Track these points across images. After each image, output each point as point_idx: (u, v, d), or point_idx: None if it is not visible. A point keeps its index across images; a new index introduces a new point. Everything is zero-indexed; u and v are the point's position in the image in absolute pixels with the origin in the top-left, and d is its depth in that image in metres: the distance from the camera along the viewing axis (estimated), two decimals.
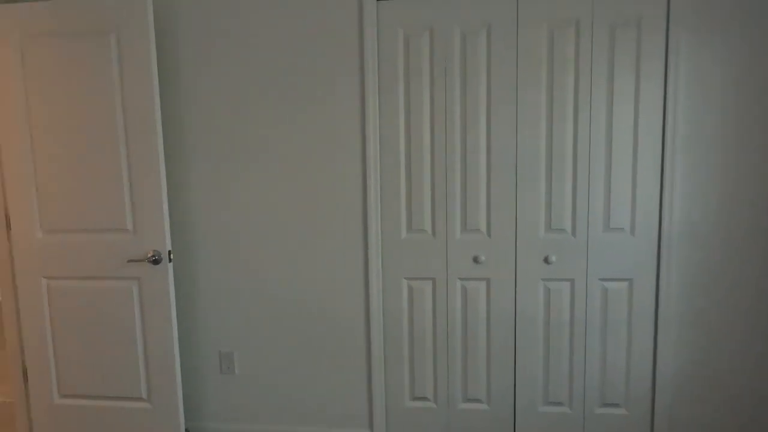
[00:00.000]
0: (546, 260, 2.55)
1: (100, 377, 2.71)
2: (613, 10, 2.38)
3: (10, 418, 3.11)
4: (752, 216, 2.42)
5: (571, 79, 2.44)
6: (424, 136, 2.55)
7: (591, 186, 2.49)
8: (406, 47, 2.51)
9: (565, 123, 2.47)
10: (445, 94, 2.51)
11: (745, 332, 2.49)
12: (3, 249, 2.74)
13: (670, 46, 2.36)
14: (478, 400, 2.69)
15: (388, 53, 2.52)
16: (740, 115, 2.38)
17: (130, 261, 2.58)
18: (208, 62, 2.62)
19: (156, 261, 2.57)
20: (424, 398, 2.72)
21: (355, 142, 2.58)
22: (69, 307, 2.69)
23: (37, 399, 2.79)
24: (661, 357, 2.54)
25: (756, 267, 2.45)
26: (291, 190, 2.65)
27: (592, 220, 2.51)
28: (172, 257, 2.63)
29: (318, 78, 2.56)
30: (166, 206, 2.56)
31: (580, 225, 2.52)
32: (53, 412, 2.78)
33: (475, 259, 2.59)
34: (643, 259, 2.51)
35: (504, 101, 2.48)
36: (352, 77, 2.54)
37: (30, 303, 2.72)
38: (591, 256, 2.53)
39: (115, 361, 2.69)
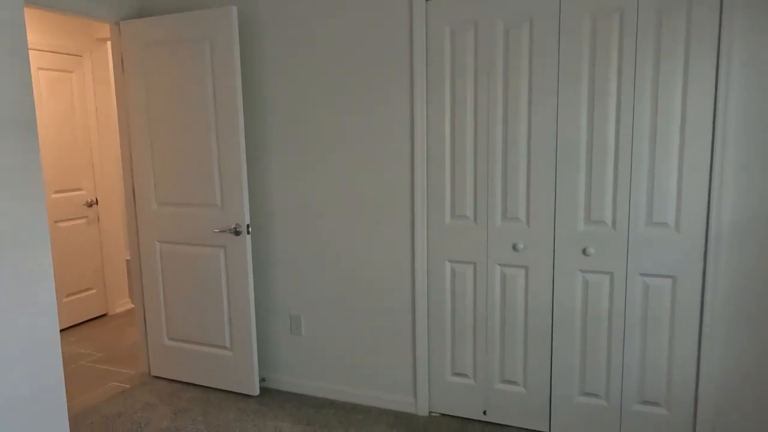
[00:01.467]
0: (584, 252, 2.56)
1: (196, 326, 3.27)
2: None
3: (136, 353, 3.85)
4: None
5: (615, 69, 2.42)
6: (467, 127, 2.69)
7: (633, 178, 2.45)
8: (452, 42, 2.66)
9: (607, 114, 2.45)
10: (488, 86, 2.63)
11: None
12: (131, 218, 3.41)
13: (723, 29, 2.23)
14: (514, 383, 2.79)
15: (436, 48, 2.69)
16: None
17: (217, 231, 3.08)
18: (284, 63, 3.01)
19: (237, 232, 3.04)
20: (464, 375, 2.88)
21: (405, 132, 2.80)
22: (175, 267, 3.28)
23: (152, 340, 3.45)
24: (706, 360, 2.43)
25: None
26: (348, 176, 2.95)
27: (633, 213, 2.47)
28: (250, 230, 3.08)
29: (373, 74, 2.82)
30: (245, 186, 3.01)
31: (621, 218, 2.49)
32: (163, 351, 3.41)
33: (514, 247, 2.68)
34: (688, 257, 2.41)
35: (545, 92, 2.53)
36: (402, 72, 2.76)
37: (149, 262, 3.36)
38: (632, 250, 2.49)
39: (207, 314, 3.23)
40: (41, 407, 2.39)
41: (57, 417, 2.46)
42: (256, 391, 3.17)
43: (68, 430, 2.50)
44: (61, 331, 4.35)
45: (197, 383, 3.34)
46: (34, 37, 4.07)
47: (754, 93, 2.23)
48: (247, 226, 3.04)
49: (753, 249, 2.31)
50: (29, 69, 2.27)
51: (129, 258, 4.92)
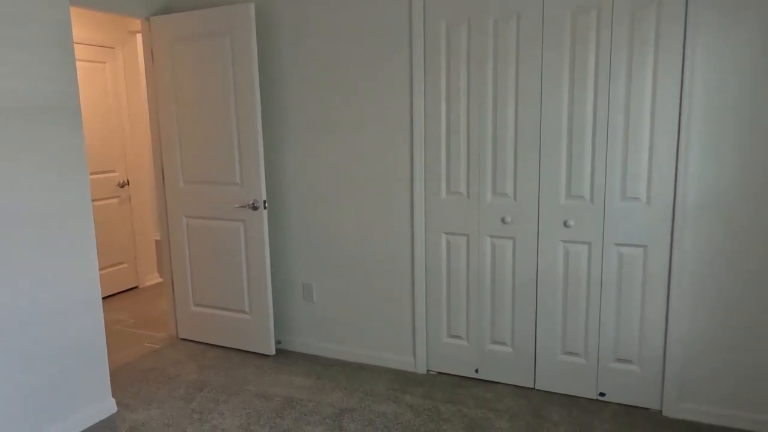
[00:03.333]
0: (565, 224, 2.84)
1: (219, 293, 3.63)
2: None
3: (166, 319, 4.23)
4: None
5: (593, 59, 2.68)
6: (461, 111, 2.98)
7: (609, 158, 2.71)
8: (448, 36, 2.94)
9: (586, 99, 2.71)
10: (480, 75, 2.90)
11: (758, 301, 2.55)
12: (160, 195, 3.77)
13: (689, 23, 2.48)
14: (503, 343, 3.09)
15: (433, 40, 2.97)
16: (757, 91, 2.42)
17: (237, 207, 3.43)
18: (296, 55, 3.32)
19: (255, 207, 3.38)
20: (459, 336, 3.19)
21: (405, 117, 3.10)
22: (199, 239, 3.64)
23: (180, 306, 3.82)
24: (673, 321, 2.70)
25: None
26: (354, 156, 3.26)
27: (609, 188, 2.73)
28: (267, 205, 3.42)
29: (375, 63, 3.12)
30: (262, 165, 3.33)
31: (598, 193, 2.76)
32: (190, 317, 3.79)
33: (503, 220, 2.97)
34: (657, 228, 2.68)
35: (531, 79, 2.80)
36: (402, 62, 3.05)
37: (176, 235, 3.72)
38: (607, 222, 2.76)
39: (228, 282, 3.58)
40: (87, 356, 2.77)
41: (99, 365, 2.84)
42: (272, 351, 3.52)
43: (108, 376, 2.89)
44: None
45: (220, 344, 3.71)
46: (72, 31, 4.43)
47: (715, 82, 2.48)
48: (264, 201, 3.37)
49: (714, 220, 2.57)
50: (75, 63, 2.62)
51: (157, 238, 5.31)
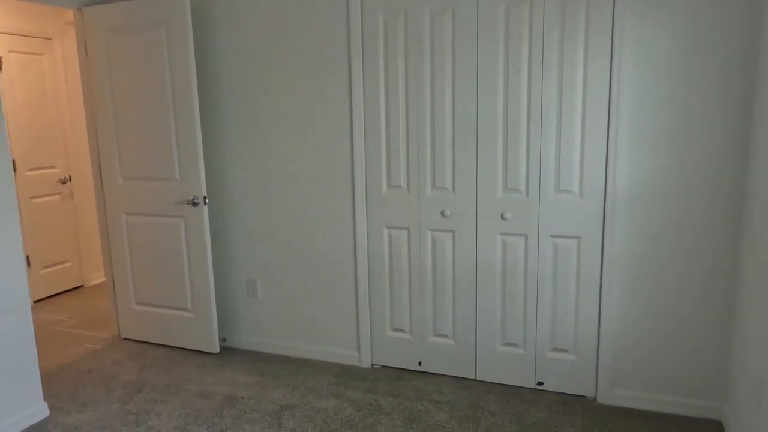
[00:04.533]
0: (502, 217, 2.86)
1: (160, 291, 3.55)
2: None
3: (107, 318, 4.12)
4: (697, 179, 2.53)
5: (526, 53, 2.70)
6: (400, 105, 2.97)
7: (543, 151, 2.74)
8: (386, 28, 2.92)
9: (520, 93, 2.73)
10: (417, 68, 2.90)
11: (684, 290, 2.62)
12: (98, 192, 3.66)
13: (616, 17, 2.51)
14: (445, 336, 3.11)
15: (371, 34, 2.95)
16: (684, 82, 2.48)
17: (176, 203, 3.35)
18: (235, 48, 3.25)
19: (195, 203, 3.31)
20: (402, 330, 3.19)
21: (344, 111, 3.07)
22: (139, 236, 3.55)
23: (121, 304, 3.73)
24: (605, 310, 2.75)
25: (697, 228, 2.56)
26: (295, 152, 3.22)
27: (543, 181, 2.77)
28: (207, 201, 3.35)
29: (314, 57, 3.08)
30: (201, 160, 3.26)
31: (533, 186, 2.79)
32: (132, 315, 3.70)
33: (442, 213, 2.98)
34: (590, 220, 2.72)
35: (466, 72, 2.81)
36: (341, 56, 3.02)
37: (116, 232, 3.62)
38: (543, 214, 2.80)
39: (170, 279, 3.51)
40: (15, 359, 2.68)
41: (29, 368, 2.75)
42: (216, 349, 3.47)
43: (39, 379, 2.80)
44: (38, 300, 4.61)
45: (163, 343, 3.63)
46: (3, 21, 4.26)
47: (642, 76, 2.53)
48: (204, 197, 3.30)
49: (643, 212, 2.63)
50: None
51: None
